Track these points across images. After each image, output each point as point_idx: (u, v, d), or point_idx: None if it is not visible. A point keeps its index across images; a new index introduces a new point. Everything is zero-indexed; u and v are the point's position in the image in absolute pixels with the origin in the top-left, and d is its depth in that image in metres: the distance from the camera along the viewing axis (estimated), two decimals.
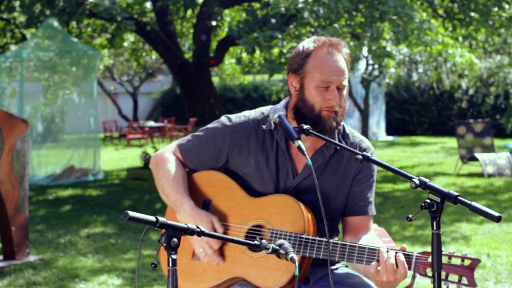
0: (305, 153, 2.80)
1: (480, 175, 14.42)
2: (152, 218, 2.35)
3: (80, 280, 6.63)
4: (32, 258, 7.45)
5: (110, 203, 11.78)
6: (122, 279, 6.64)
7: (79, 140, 17.23)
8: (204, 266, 3.14)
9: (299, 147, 2.82)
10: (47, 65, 16.95)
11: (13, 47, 17.90)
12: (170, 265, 2.38)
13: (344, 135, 3.18)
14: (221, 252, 3.09)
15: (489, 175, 14.11)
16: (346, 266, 3.28)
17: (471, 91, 28.63)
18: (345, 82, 2.99)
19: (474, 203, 2.35)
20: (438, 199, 2.42)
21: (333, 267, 3.21)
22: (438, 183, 13.59)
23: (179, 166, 3.24)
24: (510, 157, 14.58)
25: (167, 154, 3.28)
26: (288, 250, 2.68)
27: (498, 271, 6.75)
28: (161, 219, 2.36)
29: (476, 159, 14.46)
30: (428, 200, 2.43)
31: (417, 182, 2.45)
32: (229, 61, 20.18)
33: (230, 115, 3.24)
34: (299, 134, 2.87)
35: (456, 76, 25.12)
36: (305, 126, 2.89)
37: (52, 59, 16.70)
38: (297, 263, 2.60)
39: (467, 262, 2.64)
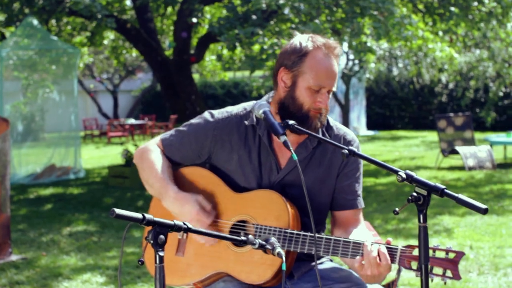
0: (291, 148, 2.79)
1: (461, 168, 14.51)
2: (139, 215, 2.33)
3: (63, 279, 6.60)
4: (14, 257, 7.40)
5: (91, 201, 11.74)
6: (106, 277, 6.62)
7: (59, 139, 17.15)
8: (187, 262, 3.13)
9: (285, 142, 2.81)
10: (26, 63, 16.84)
11: None
12: (158, 262, 2.37)
13: (328, 128, 3.17)
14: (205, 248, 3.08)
15: (470, 168, 14.19)
16: (331, 260, 3.28)
17: (451, 85, 28.77)
18: (335, 88, 3.02)
19: (460, 196, 2.37)
20: (424, 192, 2.43)
21: (318, 261, 3.21)
22: (420, 176, 13.56)
23: (163, 158, 3.23)
24: (490, 150, 14.68)
25: (151, 147, 3.27)
26: (274, 245, 2.68)
27: (481, 262, 6.80)
28: (147, 216, 2.35)
29: (457, 152, 14.55)
30: (414, 194, 2.44)
31: (404, 175, 2.47)
32: (209, 57, 20.14)
33: (213, 111, 3.23)
34: (285, 129, 2.86)
35: (436, 70, 25.19)
36: (291, 122, 2.88)
37: (31, 58, 16.59)
38: (283, 258, 2.60)
39: (451, 255, 2.66)
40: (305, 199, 2.87)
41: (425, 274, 2.45)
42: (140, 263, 2.38)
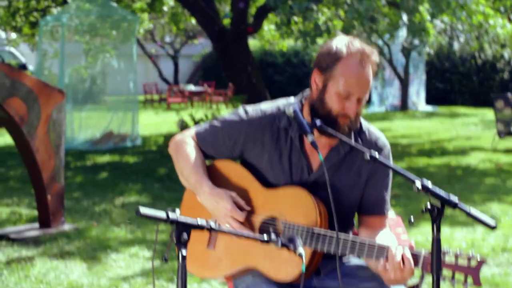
0: (317, 148, 2.87)
1: None
2: (163, 214, 2.44)
3: (111, 251, 6.81)
4: (66, 227, 7.66)
5: (146, 170, 11.98)
6: (153, 251, 6.80)
7: (118, 103, 17.43)
8: (218, 256, 3.22)
9: (312, 142, 2.87)
10: (87, 28, 17.12)
11: (53, 10, 18.12)
12: (180, 260, 2.48)
13: (360, 132, 3.19)
14: (237, 241, 3.19)
15: None
16: (359, 257, 3.36)
17: None
18: (366, 95, 3.02)
19: (472, 210, 2.43)
20: (438, 204, 2.49)
21: (344, 259, 3.29)
22: (473, 158, 13.55)
23: (198, 151, 3.31)
24: None
25: (186, 139, 3.34)
26: (297, 245, 2.77)
27: None
28: (171, 215, 2.45)
29: None
30: (428, 205, 2.51)
31: (419, 186, 2.52)
32: (268, 27, 20.13)
33: (247, 107, 3.28)
34: (312, 129, 2.93)
35: (498, 45, 24.74)
36: (318, 122, 2.94)
37: (92, 23, 16.86)
38: (304, 259, 2.67)
39: (473, 262, 2.71)
40: (336, 203, 2.96)
41: (436, 283, 2.52)
42: (164, 260, 2.50)
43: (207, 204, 3.18)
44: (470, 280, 2.71)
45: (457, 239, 7.31)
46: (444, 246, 2.60)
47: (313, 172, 3.16)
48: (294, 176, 3.16)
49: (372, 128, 3.24)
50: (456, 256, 2.74)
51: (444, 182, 10.88)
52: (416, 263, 2.83)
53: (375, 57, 3.03)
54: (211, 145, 3.30)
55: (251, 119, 3.22)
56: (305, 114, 3.14)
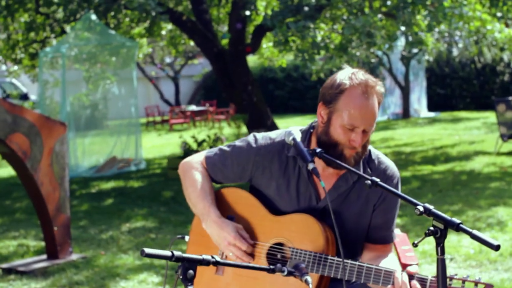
0: (319, 175, 2.88)
1: None
2: (168, 253, 2.46)
3: (120, 279, 6.83)
4: (74, 256, 7.67)
5: (151, 195, 12.00)
6: (161, 277, 6.82)
7: (121, 127, 17.47)
8: (226, 281, 3.24)
9: (313, 169, 2.89)
10: (87, 56, 17.20)
11: (53, 41, 18.20)
12: None
13: (370, 160, 3.19)
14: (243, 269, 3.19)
15: None
16: (365, 282, 3.36)
17: None
18: (372, 127, 3.00)
19: (475, 232, 2.44)
20: (441, 226, 2.50)
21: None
22: (478, 163, 13.56)
23: (206, 177, 3.33)
24: None
25: (195, 164, 3.36)
26: (303, 272, 2.79)
27: None
28: (176, 253, 2.47)
29: None
30: (432, 228, 2.52)
31: (422, 209, 2.53)
32: (266, 44, 20.20)
33: (257, 135, 3.29)
34: (313, 157, 2.94)
35: (497, 49, 24.76)
36: (318, 150, 2.95)
37: (91, 51, 16.94)
38: (311, 286, 2.70)
39: (480, 287, 2.70)
40: (343, 230, 3.03)
41: None
42: None
43: (211, 231, 3.20)
44: None
45: (464, 246, 7.32)
46: (448, 259, 2.62)
47: (321, 200, 3.16)
48: (302, 204, 3.18)
49: (382, 157, 3.24)
50: (463, 281, 2.73)
51: (449, 189, 10.89)
52: (423, 287, 2.83)
53: (379, 87, 3.02)
54: (220, 170, 3.33)
55: (260, 147, 3.24)
56: (313, 145, 3.15)
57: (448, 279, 2.73)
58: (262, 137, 3.27)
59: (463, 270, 6.52)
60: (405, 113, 27.15)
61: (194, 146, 14.29)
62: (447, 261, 6.16)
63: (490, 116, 23.92)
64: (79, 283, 6.74)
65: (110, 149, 16.50)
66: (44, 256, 7.65)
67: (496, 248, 2.36)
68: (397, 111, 28.05)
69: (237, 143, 3.32)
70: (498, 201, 9.64)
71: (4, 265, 7.44)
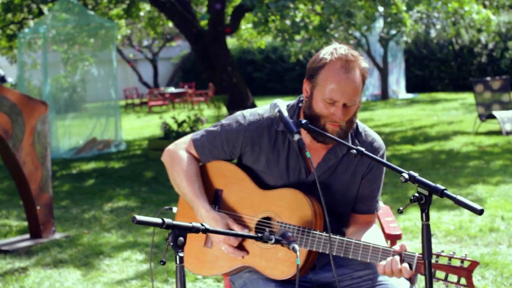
0: (304, 145, 2.91)
1: (499, 133, 14.47)
2: (159, 220, 2.49)
3: (104, 257, 6.86)
4: (57, 235, 7.70)
5: (132, 175, 12.02)
6: (145, 254, 6.86)
7: (100, 109, 17.46)
8: (216, 254, 3.27)
9: (298, 140, 2.91)
10: (65, 38, 17.13)
11: (30, 22, 18.11)
12: (178, 262, 2.54)
13: (357, 134, 3.24)
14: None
15: (507, 133, 14.15)
16: (353, 258, 3.39)
17: (490, 46, 28.46)
18: (354, 101, 3.02)
19: (458, 197, 2.50)
20: (426, 192, 2.56)
21: None
22: (456, 142, 13.69)
23: (193, 163, 3.34)
24: None
25: (180, 152, 3.36)
26: (290, 240, 2.84)
27: None
28: (167, 220, 2.50)
29: (494, 117, 14.50)
30: (416, 194, 2.57)
31: (407, 176, 2.59)
32: (245, 26, 20.21)
33: (244, 112, 3.31)
34: (298, 128, 2.97)
35: (475, 30, 24.93)
36: (304, 121, 2.98)
37: (69, 32, 16.86)
38: (298, 253, 2.74)
39: (466, 264, 2.73)
40: (331, 201, 3.09)
41: (428, 269, 2.58)
42: (162, 263, 2.56)
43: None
44: (463, 281, 2.75)
45: (444, 222, 7.42)
46: (437, 248, 2.67)
47: (311, 173, 3.20)
48: (292, 177, 3.21)
49: (368, 130, 3.30)
50: (450, 258, 2.77)
51: (428, 168, 11.00)
52: (410, 266, 2.85)
53: (361, 62, 3.04)
54: (209, 151, 3.33)
55: (249, 123, 3.25)
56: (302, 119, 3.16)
57: (434, 256, 2.77)
58: (250, 113, 3.29)
59: (443, 246, 6.61)
60: (384, 95, 27.29)
61: (174, 126, 14.30)
62: None
63: (468, 97, 24.11)
64: (63, 261, 6.77)
65: (90, 131, 16.48)
66: (27, 236, 7.67)
67: (480, 212, 2.43)
68: (376, 92, 28.18)
69: (224, 121, 3.33)
70: (477, 179, 9.76)
71: None
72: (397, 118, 19.50)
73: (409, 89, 29.65)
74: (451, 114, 19.74)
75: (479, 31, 24.47)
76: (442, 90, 29.54)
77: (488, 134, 14.63)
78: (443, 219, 7.56)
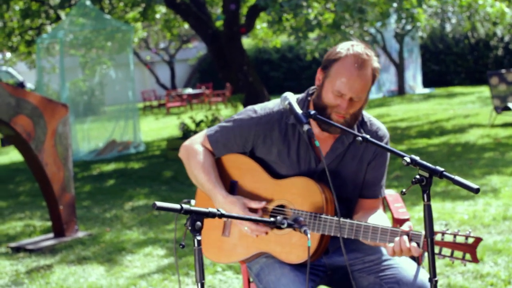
0: (313, 135, 3.06)
1: None
2: (177, 206, 2.67)
3: (126, 253, 7.05)
4: (80, 234, 7.90)
5: (151, 175, 12.22)
6: (166, 250, 7.03)
7: (119, 112, 17.67)
8: (233, 242, 3.44)
9: (308, 130, 3.06)
10: (82, 42, 17.36)
11: (48, 27, 18.37)
12: (196, 245, 2.70)
13: (362, 123, 3.41)
14: None
15: None
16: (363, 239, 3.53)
17: (506, 38, 28.44)
18: (361, 97, 3.18)
19: (456, 177, 2.65)
20: (426, 175, 2.71)
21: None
22: (472, 135, 13.77)
23: (209, 156, 3.51)
24: None
25: (196, 146, 3.54)
26: (301, 224, 3.01)
27: None
28: (185, 206, 2.67)
29: (510, 109, 14.55)
30: (417, 176, 2.73)
31: (408, 160, 2.74)
32: (260, 25, 20.36)
33: (255, 107, 3.47)
34: (308, 119, 3.12)
35: (490, 24, 24.94)
36: (312, 112, 3.13)
37: (87, 37, 17.09)
38: (309, 235, 2.92)
39: (470, 240, 2.87)
40: (341, 189, 3.26)
41: (431, 247, 2.74)
42: (181, 246, 2.73)
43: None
44: (468, 257, 2.89)
45: (459, 212, 7.54)
46: (443, 225, 2.80)
47: (321, 162, 3.36)
48: (302, 167, 3.38)
49: (373, 120, 3.47)
50: (455, 235, 2.90)
51: (444, 160, 11.10)
52: (417, 244, 2.99)
53: (374, 62, 3.21)
54: (224, 146, 3.51)
55: (260, 117, 3.42)
56: (312, 109, 3.32)
57: (440, 234, 2.92)
58: (261, 108, 3.46)
59: None
60: (400, 90, 27.36)
61: (192, 126, 14.49)
62: (442, 227, 6.39)
63: (484, 91, 24.12)
64: (86, 258, 6.96)
65: (109, 134, 16.70)
66: (51, 235, 7.87)
67: (476, 191, 2.58)
68: (392, 88, 28.24)
69: (237, 116, 3.50)
70: (492, 170, 9.86)
71: (13, 244, 7.66)
72: (414, 113, 19.58)
73: (425, 84, 29.69)
74: (468, 107, 19.79)
75: (495, 24, 24.45)
76: (458, 84, 29.56)
77: (504, 126, 14.69)
78: (457, 209, 7.68)
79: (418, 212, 7.63)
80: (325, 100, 3.21)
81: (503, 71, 15.52)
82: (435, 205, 7.90)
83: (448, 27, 30.23)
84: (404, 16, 11.08)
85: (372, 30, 26.11)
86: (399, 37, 26.65)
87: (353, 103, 3.19)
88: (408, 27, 25.25)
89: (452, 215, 7.43)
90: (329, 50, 3.31)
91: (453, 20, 29.10)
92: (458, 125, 15.83)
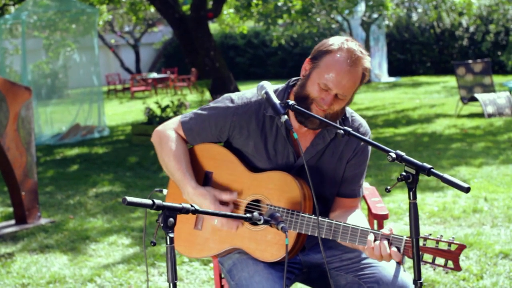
0: (291, 127, 2.89)
1: (481, 115, 14.58)
2: (149, 202, 2.50)
3: (90, 242, 6.87)
4: (43, 221, 7.69)
5: (116, 160, 12.01)
6: (131, 239, 6.87)
7: (83, 95, 17.39)
8: (206, 236, 3.29)
9: (286, 121, 2.90)
10: (46, 24, 17.04)
11: (11, 8, 17.99)
12: (168, 242, 2.56)
13: (345, 119, 3.26)
14: None
15: (489, 115, 14.26)
16: (341, 240, 3.40)
17: (471, 29, 28.57)
18: (346, 95, 3.03)
19: (445, 175, 2.51)
20: (413, 171, 2.58)
21: None
22: (439, 125, 13.77)
23: (181, 144, 3.35)
24: (509, 96, 14.71)
25: (169, 132, 3.38)
26: (278, 220, 2.86)
27: (495, 214, 6.94)
28: (157, 201, 2.51)
29: (476, 100, 14.59)
30: (404, 173, 2.59)
31: (394, 156, 2.61)
32: (227, 11, 20.16)
33: (232, 95, 3.31)
34: (285, 109, 2.96)
35: (456, 14, 25.04)
36: (291, 102, 2.96)
37: (51, 18, 16.77)
38: (287, 233, 2.78)
39: (453, 247, 2.76)
40: (320, 186, 3.14)
41: (416, 248, 2.62)
42: (152, 244, 2.58)
43: (191, 202, 3.22)
44: (450, 264, 2.77)
45: (428, 204, 7.48)
46: (425, 231, 2.69)
47: (299, 157, 3.22)
48: (280, 161, 3.23)
49: (355, 116, 3.33)
50: (437, 241, 2.78)
51: (411, 150, 11.06)
52: (397, 248, 2.87)
53: (366, 61, 3.06)
54: (198, 134, 3.35)
55: (237, 107, 3.27)
56: (291, 99, 3.17)
57: (422, 240, 2.79)
58: (238, 97, 3.30)
59: (427, 227, 6.67)
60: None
61: (158, 112, 14.29)
62: None
63: (450, 80, 24.23)
64: (49, 247, 6.77)
65: (73, 117, 16.41)
66: (13, 221, 7.66)
67: (467, 190, 2.45)
68: None
69: (213, 104, 3.34)
70: (460, 161, 9.84)
71: None
72: (380, 102, 19.57)
73: (391, 73, 29.77)
74: (433, 97, 19.83)
75: (460, 14, 24.55)
76: (424, 73, 29.67)
77: (470, 116, 14.73)
78: (427, 201, 7.62)
79: (387, 203, 7.55)
80: (308, 90, 3.05)
81: (470, 61, 15.55)
82: (403, 196, 7.84)
83: (414, 16, 30.30)
84: (372, 3, 10.97)
85: (339, 18, 26.06)
86: (366, 25, 26.62)
87: (337, 100, 3.04)
88: (375, 15, 25.25)
89: (422, 207, 7.37)
90: (318, 43, 3.15)
91: (419, 10, 29.16)
92: (424, 114, 15.84)
